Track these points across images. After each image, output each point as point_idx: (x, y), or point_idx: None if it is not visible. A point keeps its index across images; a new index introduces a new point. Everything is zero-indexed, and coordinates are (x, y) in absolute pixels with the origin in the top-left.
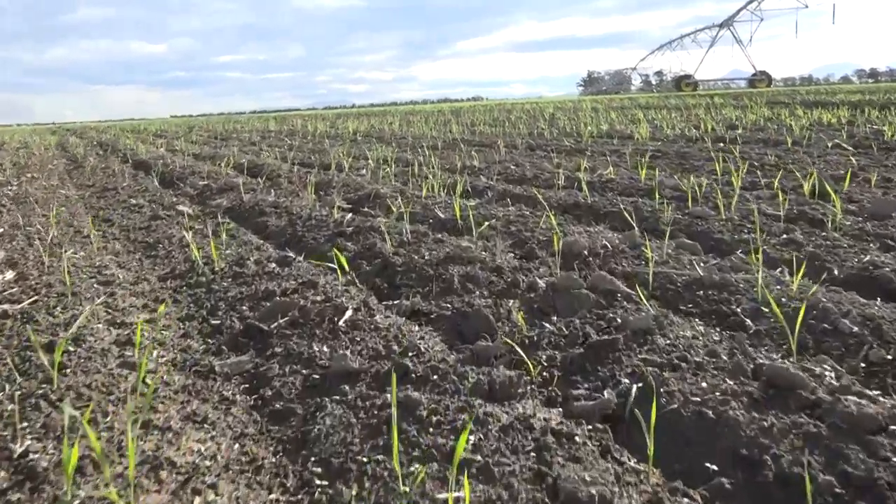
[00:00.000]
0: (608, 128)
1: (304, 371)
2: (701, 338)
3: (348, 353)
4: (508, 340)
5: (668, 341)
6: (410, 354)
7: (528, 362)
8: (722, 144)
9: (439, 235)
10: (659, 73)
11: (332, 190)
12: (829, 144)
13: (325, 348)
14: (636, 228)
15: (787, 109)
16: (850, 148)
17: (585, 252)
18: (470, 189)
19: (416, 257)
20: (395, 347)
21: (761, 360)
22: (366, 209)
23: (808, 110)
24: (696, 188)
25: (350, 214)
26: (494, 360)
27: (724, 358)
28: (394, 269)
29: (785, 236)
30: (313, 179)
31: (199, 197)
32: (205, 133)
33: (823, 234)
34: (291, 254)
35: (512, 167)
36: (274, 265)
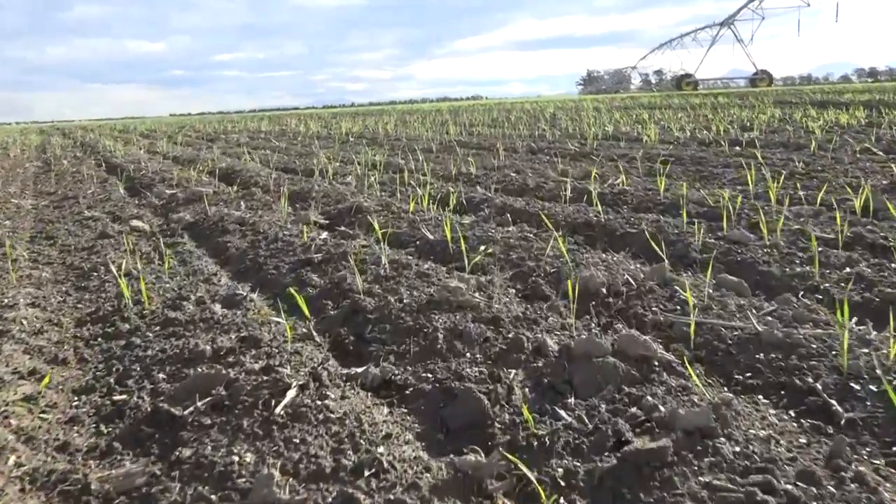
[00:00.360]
0: (613, 129)
1: (213, 497)
2: (781, 439)
3: (277, 470)
4: (509, 455)
5: (736, 448)
6: (368, 473)
7: (539, 487)
8: (738, 148)
9: (426, 266)
10: (658, 73)
11: (311, 201)
12: (858, 149)
13: (248, 456)
14: (666, 261)
15: (801, 110)
16: (881, 153)
17: (604, 290)
18: (465, 202)
19: (394, 300)
20: (349, 458)
21: (886, 493)
22: (343, 227)
23: (822, 110)
24: (730, 204)
25: (325, 234)
26: (490, 482)
27: (830, 487)
28: (364, 316)
29: (848, 270)
30: (287, 190)
31: (163, 209)
32: (193, 133)
33: (894, 265)
34: (243, 290)
35: (512, 174)
36: (218, 307)
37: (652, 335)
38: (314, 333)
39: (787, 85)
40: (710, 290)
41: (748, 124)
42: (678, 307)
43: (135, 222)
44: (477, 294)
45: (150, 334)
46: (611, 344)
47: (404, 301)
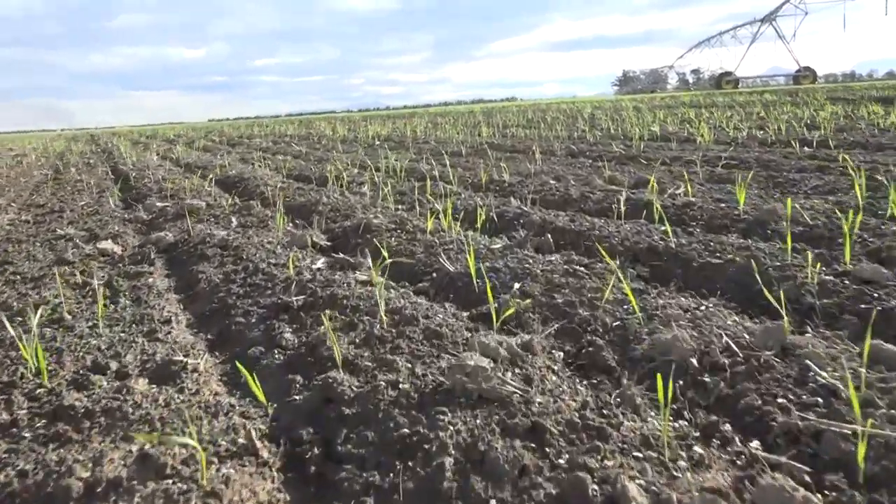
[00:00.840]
0: (660, 129)
1: None
2: None
3: None
4: None
5: None
6: None
7: None
8: (808, 149)
9: (439, 318)
10: (696, 71)
11: (315, 216)
12: None
13: None
14: (785, 317)
15: (862, 107)
16: None
17: (695, 361)
18: (496, 217)
19: (385, 383)
20: None
21: None
22: (345, 254)
23: (887, 107)
24: (844, 224)
25: (321, 261)
26: None
27: None
28: (340, 411)
29: None
30: (292, 203)
31: (148, 226)
32: (217, 137)
33: None
34: (189, 354)
35: (551, 182)
36: (142, 384)
37: (788, 455)
38: (257, 444)
39: (829, 82)
40: (862, 370)
41: (810, 122)
42: (818, 399)
43: (105, 244)
44: (509, 377)
45: (28, 435)
46: (737, 495)
47: (401, 386)
